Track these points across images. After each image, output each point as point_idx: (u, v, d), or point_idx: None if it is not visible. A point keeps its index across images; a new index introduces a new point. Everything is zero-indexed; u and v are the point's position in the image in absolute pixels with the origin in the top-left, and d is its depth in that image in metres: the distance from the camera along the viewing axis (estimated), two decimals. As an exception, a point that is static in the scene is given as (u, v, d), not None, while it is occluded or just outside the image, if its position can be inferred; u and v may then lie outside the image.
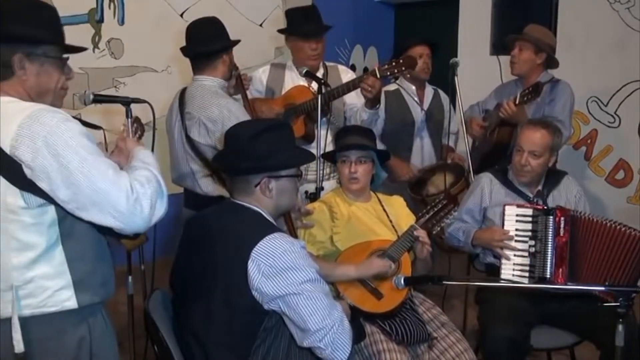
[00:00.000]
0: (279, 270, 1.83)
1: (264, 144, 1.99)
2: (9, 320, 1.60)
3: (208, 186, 2.93)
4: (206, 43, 2.91)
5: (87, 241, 1.69)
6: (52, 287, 1.63)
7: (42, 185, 1.56)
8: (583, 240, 2.68)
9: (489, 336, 2.63)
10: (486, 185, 2.96)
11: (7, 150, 1.54)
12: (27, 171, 1.55)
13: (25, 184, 1.55)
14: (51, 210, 1.60)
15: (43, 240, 1.61)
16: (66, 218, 1.62)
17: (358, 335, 2.06)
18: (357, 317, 2.27)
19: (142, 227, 1.63)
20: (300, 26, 3.44)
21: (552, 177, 2.97)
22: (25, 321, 1.61)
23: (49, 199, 1.58)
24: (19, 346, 1.59)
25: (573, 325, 2.73)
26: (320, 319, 1.83)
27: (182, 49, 2.99)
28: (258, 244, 1.84)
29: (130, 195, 1.58)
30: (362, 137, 2.68)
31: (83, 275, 1.67)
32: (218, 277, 1.89)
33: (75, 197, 1.56)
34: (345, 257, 2.51)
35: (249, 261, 1.83)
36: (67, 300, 1.65)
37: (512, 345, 2.56)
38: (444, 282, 2.19)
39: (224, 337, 1.88)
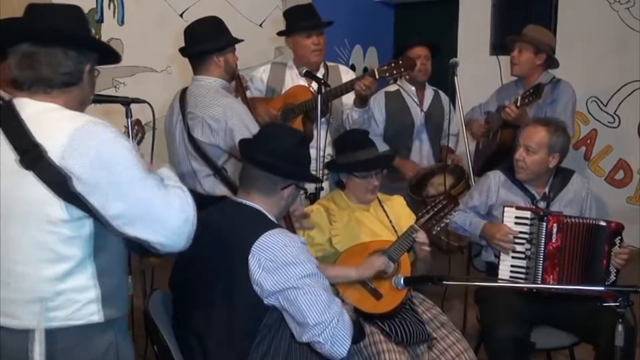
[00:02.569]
0: (279, 265, 1.84)
1: (305, 154, 2.13)
2: (30, 332, 1.56)
3: (210, 185, 2.92)
4: (198, 43, 2.89)
5: (116, 255, 1.67)
6: (81, 301, 1.59)
7: (92, 199, 1.53)
8: (571, 245, 2.68)
9: (493, 335, 2.63)
10: (494, 182, 2.95)
11: (56, 161, 1.51)
12: (76, 183, 1.51)
13: (70, 196, 1.52)
14: (89, 223, 1.57)
15: (79, 253, 1.57)
16: (101, 232, 1.59)
17: (358, 335, 2.06)
18: (356, 317, 2.27)
19: (183, 246, 1.63)
20: (300, 22, 3.44)
21: (560, 177, 2.93)
22: (50, 332, 1.58)
23: (90, 213, 1.55)
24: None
25: (571, 326, 2.73)
26: (319, 313, 1.83)
27: (180, 49, 2.99)
28: (259, 239, 1.85)
29: (182, 215, 1.59)
30: (375, 148, 2.70)
31: (111, 290, 1.64)
32: (219, 274, 1.90)
33: (126, 213, 1.54)
34: (344, 259, 2.51)
35: (250, 256, 1.84)
36: (94, 314, 1.61)
37: (517, 343, 2.56)
38: (444, 282, 2.19)
39: (225, 334, 1.88)
